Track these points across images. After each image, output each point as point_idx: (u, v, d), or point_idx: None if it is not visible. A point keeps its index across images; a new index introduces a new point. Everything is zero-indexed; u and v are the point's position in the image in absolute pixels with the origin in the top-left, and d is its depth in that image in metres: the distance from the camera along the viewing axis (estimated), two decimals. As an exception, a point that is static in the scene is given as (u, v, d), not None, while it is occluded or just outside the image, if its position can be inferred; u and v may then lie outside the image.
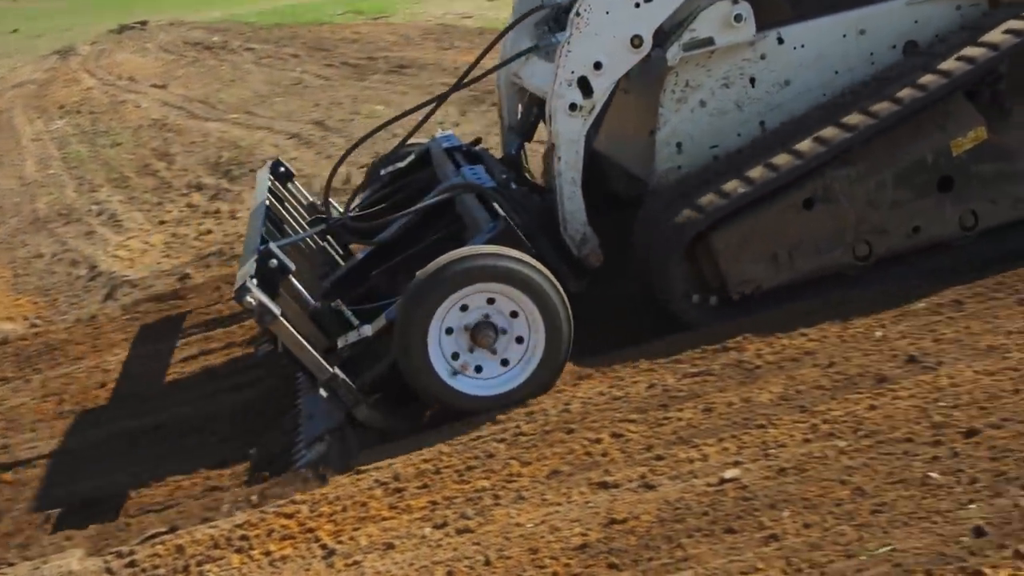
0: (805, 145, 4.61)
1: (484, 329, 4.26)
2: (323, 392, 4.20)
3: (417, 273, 4.29)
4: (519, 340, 4.31)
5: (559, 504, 3.51)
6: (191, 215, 8.93)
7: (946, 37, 4.88)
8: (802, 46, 4.88)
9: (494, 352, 4.31)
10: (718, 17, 4.71)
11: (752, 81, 4.86)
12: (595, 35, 4.63)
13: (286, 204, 5.77)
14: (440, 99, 5.35)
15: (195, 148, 11.60)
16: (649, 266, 4.70)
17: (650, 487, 3.49)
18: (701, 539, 3.16)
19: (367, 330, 4.34)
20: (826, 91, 4.90)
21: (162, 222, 8.97)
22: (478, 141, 6.08)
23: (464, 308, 4.26)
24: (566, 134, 4.69)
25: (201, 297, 6.71)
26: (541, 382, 4.34)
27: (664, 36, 4.73)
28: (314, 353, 4.18)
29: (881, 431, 3.54)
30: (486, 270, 4.23)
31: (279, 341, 4.35)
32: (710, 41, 4.73)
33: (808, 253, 4.66)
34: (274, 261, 4.33)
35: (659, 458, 3.66)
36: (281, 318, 4.13)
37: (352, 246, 5.83)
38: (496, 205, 4.69)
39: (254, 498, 4.04)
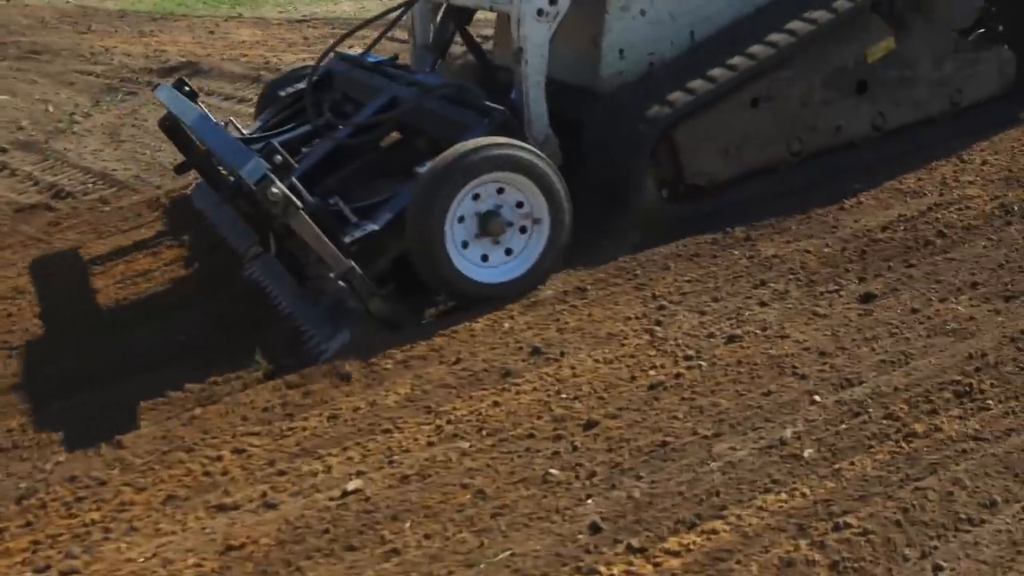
0: (757, 48, 5.11)
1: (493, 218, 4.44)
2: (341, 284, 4.27)
3: (428, 164, 4.46)
4: (523, 230, 4.54)
5: (174, 533, 3.26)
6: None
7: None
8: None
9: (499, 241, 4.49)
10: None
11: None
12: None
13: None
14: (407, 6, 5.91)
15: None
16: (614, 163, 4.95)
17: (271, 506, 3.30)
18: (320, 560, 3.01)
19: (373, 225, 4.43)
20: (745, 4, 5.40)
21: None
22: (396, 57, 6.29)
23: (476, 197, 4.43)
24: (533, 38, 4.92)
25: None
26: (544, 269, 4.57)
27: None
28: (332, 246, 4.21)
29: (504, 428, 3.51)
30: (502, 159, 4.42)
31: (271, 241, 4.55)
32: None
33: (753, 148, 5.18)
34: (279, 157, 4.41)
35: (281, 473, 3.47)
36: (302, 211, 4.16)
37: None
38: (488, 103, 4.86)
39: None
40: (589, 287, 4.47)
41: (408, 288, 4.51)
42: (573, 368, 3.82)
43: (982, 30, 5.92)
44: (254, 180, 4.14)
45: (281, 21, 13.85)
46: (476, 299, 4.45)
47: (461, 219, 4.41)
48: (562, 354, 3.94)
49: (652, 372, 3.72)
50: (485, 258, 4.48)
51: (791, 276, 4.32)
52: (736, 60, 5.07)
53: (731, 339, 3.86)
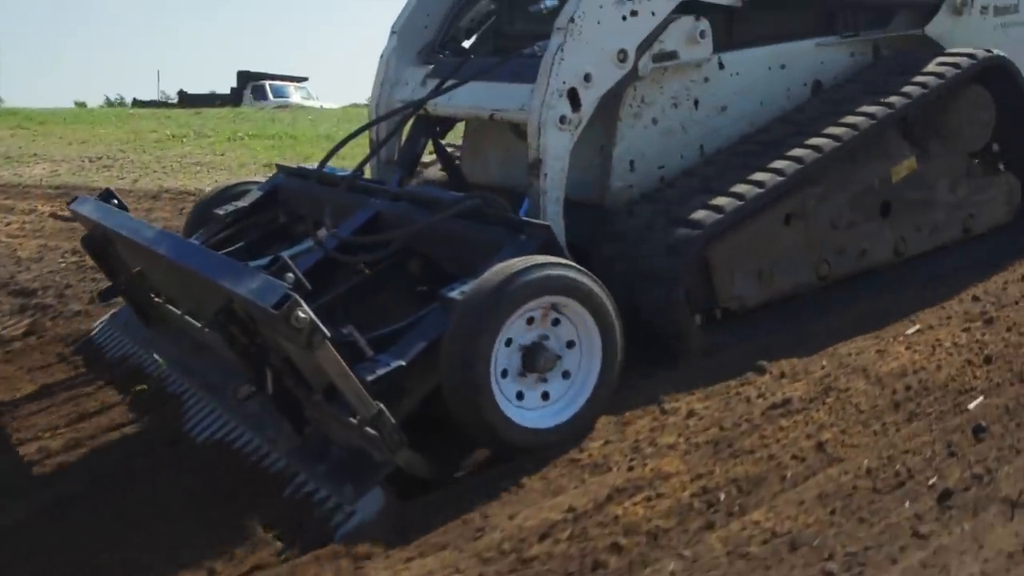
0: (784, 163, 4.75)
1: (540, 351, 3.85)
2: (369, 432, 3.45)
3: (461, 287, 3.90)
4: (565, 375, 3.95)
5: None
6: None
7: (845, 80, 5.46)
8: (737, 73, 5.19)
9: (545, 379, 3.89)
10: (684, 32, 4.91)
11: (696, 103, 5.08)
12: (586, 44, 4.62)
13: None
14: (348, 138, 5.30)
15: None
16: (643, 288, 4.40)
17: None
18: None
19: (398, 361, 3.75)
20: (752, 121, 5.22)
21: None
22: (361, 172, 5.40)
23: (530, 321, 3.86)
24: (554, 149, 4.56)
25: None
26: (594, 411, 3.97)
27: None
28: (359, 384, 3.44)
29: None
30: (554, 281, 3.84)
31: (269, 381, 3.69)
32: (674, 55, 4.91)
33: (785, 270, 4.82)
34: (291, 276, 3.76)
35: None
36: (328, 342, 3.37)
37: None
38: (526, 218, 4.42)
39: None
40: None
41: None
42: None
43: (979, 159, 5.74)
44: (271, 303, 3.34)
45: (-47, 189, 12.09)
46: (519, 448, 3.79)
47: (507, 350, 3.80)
48: None
49: None
50: (521, 396, 3.85)
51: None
52: (765, 175, 4.70)
53: None
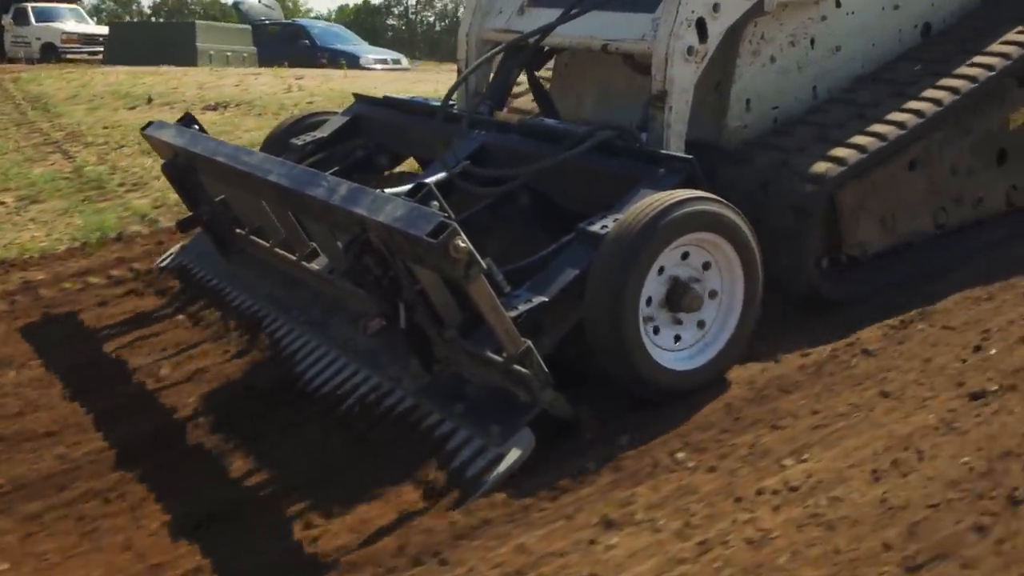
0: (922, 105, 4.64)
1: (685, 289, 3.73)
2: (518, 369, 3.32)
3: (606, 220, 3.75)
4: (699, 324, 3.83)
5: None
6: None
7: (953, 23, 5.35)
8: (852, 12, 5.05)
9: (692, 315, 3.79)
10: None
11: (812, 42, 4.96)
12: None
13: None
14: (471, 71, 5.11)
15: None
16: (768, 231, 4.11)
17: None
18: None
19: (541, 296, 3.59)
20: (864, 63, 5.10)
21: None
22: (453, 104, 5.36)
23: (685, 256, 3.75)
24: (681, 81, 4.44)
25: None
26: (732, 357, 3.88)
27: None
28: (510, 321, 3.33)
29: None
30: (707, 217, 3.71)
31: (402, 315, 3.52)
32: None
33: (906, 217, 4.75)
34: (436, 204, 3.50)
35: None
36: (483, 276, 3.23)
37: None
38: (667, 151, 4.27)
39: None
40: None
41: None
42: None
43: None
44: (427, 231, 3.13)
45: None
46: (659, 389, 3.67)
47: (655, 285, 3.68)
48: None
49: None
50: (658, 331, 3.74)
51: None
52: (898, 116, 4.59)
53: None
